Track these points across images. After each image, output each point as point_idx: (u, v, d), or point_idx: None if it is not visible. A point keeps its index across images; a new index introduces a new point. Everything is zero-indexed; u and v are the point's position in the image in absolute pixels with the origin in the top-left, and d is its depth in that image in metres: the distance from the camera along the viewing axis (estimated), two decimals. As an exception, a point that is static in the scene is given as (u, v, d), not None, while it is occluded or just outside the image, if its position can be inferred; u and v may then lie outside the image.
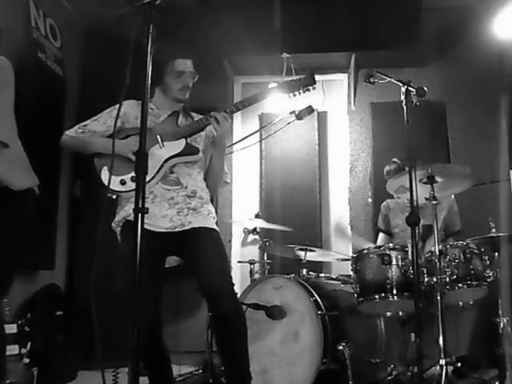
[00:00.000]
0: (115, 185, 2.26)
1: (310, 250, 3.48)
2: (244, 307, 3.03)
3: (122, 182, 2.27)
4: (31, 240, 2.47)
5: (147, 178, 2.22)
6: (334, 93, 5.15)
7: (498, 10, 4.21)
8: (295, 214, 4.61)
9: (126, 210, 2.28)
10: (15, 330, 2.90)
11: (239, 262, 3.90)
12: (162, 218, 2.27)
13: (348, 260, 3.26)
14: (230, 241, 4.80)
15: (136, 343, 1.42)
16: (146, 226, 2.17)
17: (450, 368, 2.69)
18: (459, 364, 2.71)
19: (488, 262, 2.85)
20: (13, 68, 2.33)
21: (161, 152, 2.35)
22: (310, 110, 2.79)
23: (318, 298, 2.98)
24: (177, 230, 2.27)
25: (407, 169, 3.11)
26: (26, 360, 2.85)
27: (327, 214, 4.96)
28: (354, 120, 5.03)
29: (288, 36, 4.39)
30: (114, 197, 2.32)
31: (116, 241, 2.95)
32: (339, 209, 4.95)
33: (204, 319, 3.49)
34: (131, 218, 2.14)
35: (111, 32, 3.99)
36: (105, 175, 2.32)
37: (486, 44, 4.23)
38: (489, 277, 2.82)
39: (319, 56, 4.65)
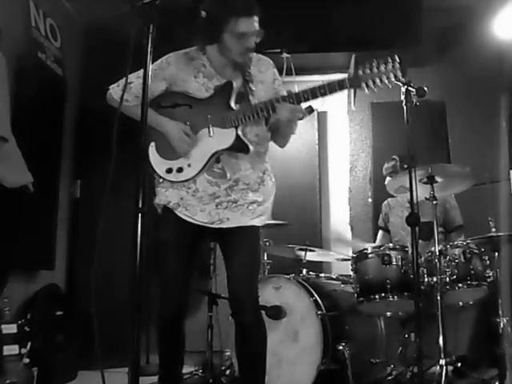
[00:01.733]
0: (161, 170, 2.13)
1: (310, 250, 3.48)
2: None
3: (168, 170, 2.13)
4: (31, 240, 2.47)
5: (194, 172, 2.11)
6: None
7: (498, 9, 4.21)
8: (295, 213, 4.61)
9: (167, 196, 2.16)
10: (15, 330, 2.90)
11: (239, 262, 3.88)
12: (201, 211, 2.14)
13: (348, 260, 3.26)
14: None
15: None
16: (183, 216, 2.14)
17: (450, 368, 2.69)
18: (459, 364, 2.72)
19: (488, 262, 2.85)
20: (13, 67, 2.32)
21: (209, 142, 2.12)
22: (310, 109, 2.78)
23: (318, 298, 2.98)
24: (214, 225, 2.15)
25: (406, 167, 3.11)
26: (26, 360, 2.85)
27: (327, 213, 4.96)
28: (353, 120, 5.03)
29: (288, 36, 4.38)
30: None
31: (116, 241, 2.95)
32: (339, 209, 4.95)
33: (204, 319, 3.48)
34: (171, 205, 2.14)
35: (111, 32, 3.99)
36: (152, 153, 2.15)
37: (486, 44, 4.23)
38: (489, 277, 2.82)
39: (319, 56, 4.65)
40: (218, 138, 2.11)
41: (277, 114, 2.07)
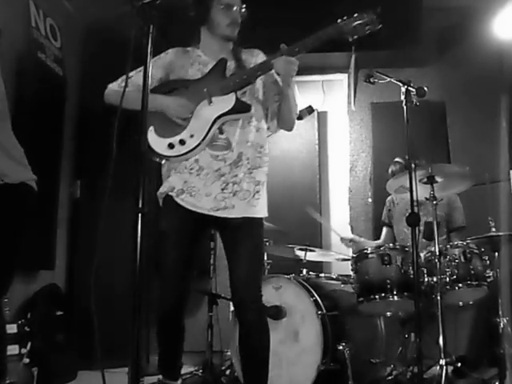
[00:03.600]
0: (162, 148, 2.12)
1: (310, 250, 3.48)
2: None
3: (170, 146, 2.11)
4: (31, 240, 2.46)
5: (197, 141, 2.10)
6: (334, 93, 5.15)
7: (498, 10, 4.21)
8: (295, 213, 4.61)
9: (170, 182, 2.16)
10: (15, 330, 2.90)
11: (239, 261, 3.88)
12: (206, 196, 2.12)
13: (348, 260, 3.26)
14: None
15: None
16: (186, 205, 2.12)
17: (450, 368, 2.69)
18: (459, 364, 2.72)
19: (488, 262, 2.85)
20: (13, 67, 2.31)
21: (209, 110, 2.15)
22: (310, 109, 2.79)
23: (318, 298, 2.98)
24: (218, 213, 2.13)
25: (414, 165, 3.10)
26: (26, 360, 2.85)
27: (327, 213, 4.96)
28: (353, 120, 5.03)
29: (288, 36, 4.38)
30: (163, 162, 2.18)
31: (116, 241, 2.95)
32: (339, 209, 4.95)
33: (204, 319, 3.48)
34: (173, 193, 2.13)
35: (111, 32, 3.99)
36: (151, 136, 2.14)
37: (486, 44, 4.23)
38: (489, 277, 2.82)
39: (319, 56, 4.65)
40: (218, 105, 2.15)
41: (274, 70, 2.17)
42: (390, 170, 3.76)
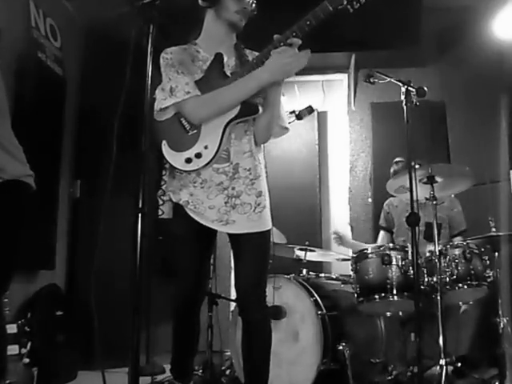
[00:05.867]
0: (180, 163, 2.06)
1: (310, 250, 3.48)
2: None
3: (188, 160, 2.04)
4: (31, 240, 2.47)
5: (213, 152, 2.02)
6: (333, 93, 5.15)
7: (497, 10, 4.21)
8: (295, 214, 4.61)
9: (179, 194, 2.11)
10: (15, 330, 2.90)
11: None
12: (210, 209, 2.07)
13: (348, 260, 3.26)
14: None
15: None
16: (192, 214, 2.08)
17: (450, 368, 2.69)
18: (459, 364, 2.72)
19: (488, 262, 2.85)
20: (13, 67, 2.31)
21: (217, 117, 2.04)
22: (309, 109, 2.78)
23: (318, 298, 2.98)
24: (220, 226, 2.08)
25: (416, 165, 3.09)
26: (26, 360, 2.85)
27: (327, 214, 4.96)
28: (353, 120, 5.03)
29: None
30: (183, 174, 2.12)
31: (116, 241, 2.94)
32: (339, 209, 4.95)
33: (204, 319, 3.47)
34: (181, 202, 2.09)
35: (111, 32, 3.99)
36: (166, 151, 2.08)
37: (486, 44, 4.23)
38: (489, 277, 2.82)
39: (319, 56, 4.65)
40: None
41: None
42: (392, 170, 3.76)
